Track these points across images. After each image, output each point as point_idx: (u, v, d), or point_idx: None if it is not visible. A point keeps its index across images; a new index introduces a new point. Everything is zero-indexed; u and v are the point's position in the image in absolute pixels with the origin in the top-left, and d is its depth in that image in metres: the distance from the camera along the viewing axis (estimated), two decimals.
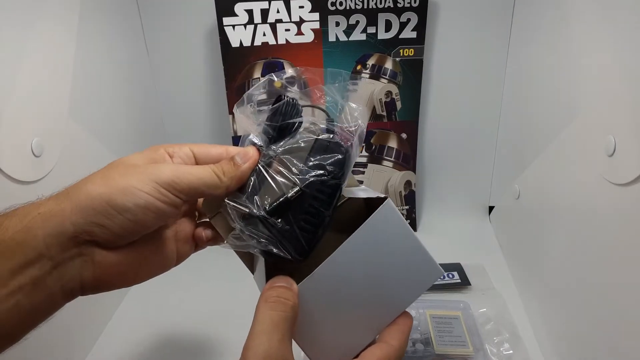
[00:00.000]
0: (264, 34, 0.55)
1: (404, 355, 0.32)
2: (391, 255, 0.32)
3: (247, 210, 0.29)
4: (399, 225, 0.31)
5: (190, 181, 0.28)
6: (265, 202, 0.29)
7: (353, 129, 0.32)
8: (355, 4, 0.55)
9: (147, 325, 0.51)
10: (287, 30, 0.55)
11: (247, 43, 0.55)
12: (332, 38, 0.56)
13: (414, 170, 0.64)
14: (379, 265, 0.31)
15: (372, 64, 0.58)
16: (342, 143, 0.31)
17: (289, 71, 0.37)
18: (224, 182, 0.29)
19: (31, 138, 0.38)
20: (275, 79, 0.34)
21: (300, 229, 0.29)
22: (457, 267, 0.57)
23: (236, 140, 0.59)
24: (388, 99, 0.60)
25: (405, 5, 0.55)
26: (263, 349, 0.27)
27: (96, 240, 0.27)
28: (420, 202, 0.68)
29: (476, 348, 0.45)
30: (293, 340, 0.30)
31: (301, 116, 0.32)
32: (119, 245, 0.28)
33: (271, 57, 0.56)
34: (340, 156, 0.30)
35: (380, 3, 0.55)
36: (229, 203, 0.29)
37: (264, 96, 0.59)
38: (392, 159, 0.63)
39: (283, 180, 0.29)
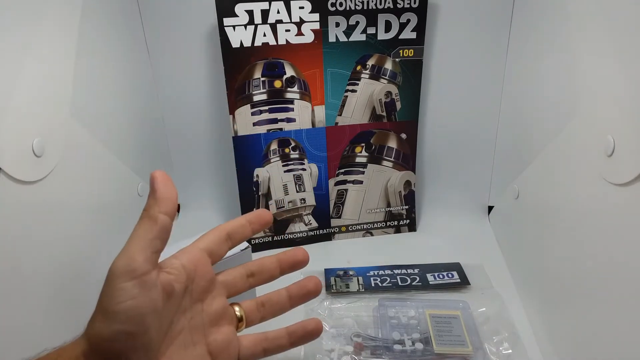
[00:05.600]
0: (265, 35, 0.55)
1: None
2: None
3: None
4: None
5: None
6: None
7: None
8: (355, 4, 0.55)
9: None
10: (288, 30, 0.55)
11: (247, 43, 0.55)
12: (332, 38, 0.56)
13: (413, 170, 0.64)
14: None
15: (372, 65, 0.58)
16: None
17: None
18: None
19: (32, 138, 0.38)
20: None
21: None
22: (457, 267, 0.57)
23: (236, 140, 0.59)
24: (388, 100, 0.60)
25: (405, 6, 0.55)
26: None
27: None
28: (420, 202, 0.68)
29: (475, 347, 0.45)
30: None
31: None
32: None
33: (271, 57, 0.56)
34: None
35: (380, 4, 0.55)
36: None
37: (264, 96, 0.59)
38: (391, 159, 0.63)
39: None
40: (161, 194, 0.29)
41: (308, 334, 0.37)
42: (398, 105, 0.61)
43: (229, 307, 0.35)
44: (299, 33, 0.55)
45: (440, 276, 0.56)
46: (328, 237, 0.66)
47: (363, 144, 0.62)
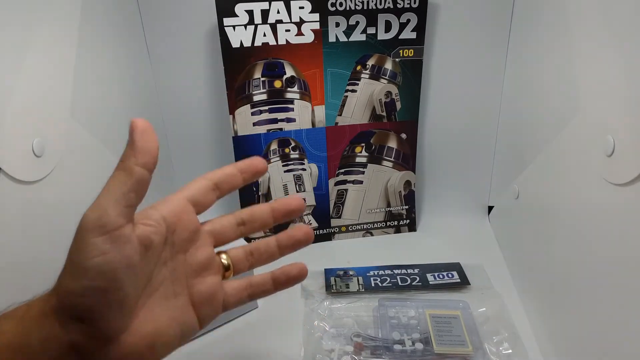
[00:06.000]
0: (265, 35, 0.55)
1: None
2: None
3: None
4: None
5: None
6: None
7: None
8: (355, 4, 0.55)
9: None
10: (288, 30, 0.55)
11: (247, 43, 0.55)
12: (332, 39, 0.56)
13: (413, 170, 0.64)
14: None
15: (372, 65, 0.58)
16: None
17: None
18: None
19: (32, 138, 0.38)
20: None
21: None
22: (457, 267, 0.57)
23: (236, 140, 0.59)
24: (388, 99, 0.60)
25: (405, 6, 0.55)
26: None
27: (88, 328, 0.26)
28: (420, 202, 0.68)
29: (475, 347, 0.45)
30: None
31: None
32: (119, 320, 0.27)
33: (271, 57, 0.56)
34: None
35: (380, 4, 0.55)
36: None
37: (264, 96, 0.59)
38: (391, 159, 0.63)
39: None
40: (139, 144, 0.27)
41: (292, 279, 0.35)
42: (398, 105, 0.61)
43: (215, 256, 0.34)
44: (299, 33, 0.56)
45: (440, 276, 0.56)
46: (328, 237, 0.66)
47: (363, 144, 0.62)
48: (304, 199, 0.63)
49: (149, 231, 0.29)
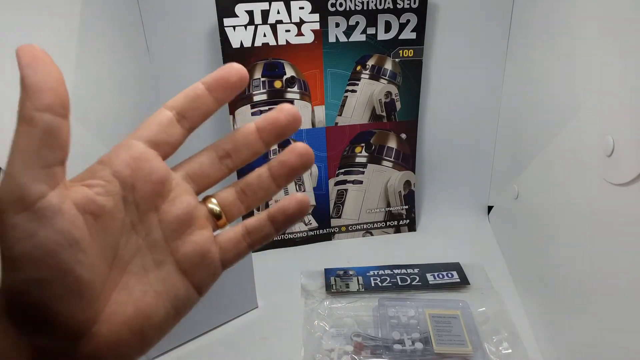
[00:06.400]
0: (265, 35, 0.55)
1: None
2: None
3: None
4: None
5: None
6: None
7: None
8: (355, 5, 0.55)
9: None
10: (288, 31, 0.55)
11: (247, 44, 0.55)
12: (332, 39, 0.56)
13: (413, 170, 0.64)
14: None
15: (372, 65, 0.58)
16: None
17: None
18: None
19: None
20: None
21: None
22: (456, 267, 0.57)
23: None
24: (388, 100, 0.60)
25: (405, 7, 0.55)
26: None
27: (48, 324, 0.21)
28: (420, 201, 0.68)
29: (475, 347, 0.45)
30: None
31: None
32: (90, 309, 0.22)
33: (271, 57, 0.56)
34: None
35: (380, 4, 0.55)
36: None
37: (264, 96, 0.59)
38: (391, 159, 0.63)
39: None
40: (32, 80, 0.21)
41: (292, 215, 0.27)
42: (398, 105, 0.61)
43: (200, 205, 0.27)
44: (299, 33, 0.56)
45: (440, 276, 0.56)
46: (328, 237, 0.66)
47: (363, 144, 0.62)
48: None
49: (92, 194, 0.23)
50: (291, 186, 0.62)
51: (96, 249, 0.23)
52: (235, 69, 0.25)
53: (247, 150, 0.27)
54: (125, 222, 0.24)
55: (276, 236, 0.28)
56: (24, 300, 0.21)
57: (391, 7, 0.55)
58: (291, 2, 0.54)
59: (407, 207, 0.66)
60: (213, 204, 0.27)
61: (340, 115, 0.60)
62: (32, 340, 0.21)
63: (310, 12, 0.55)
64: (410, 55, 0.58)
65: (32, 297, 0.20)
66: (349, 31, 0.56)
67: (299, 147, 0.27)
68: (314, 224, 0.64)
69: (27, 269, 0.20)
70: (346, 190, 0.64)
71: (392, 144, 0.62)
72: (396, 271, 0.57)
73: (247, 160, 0.28)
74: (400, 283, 0.55)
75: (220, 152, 0.27)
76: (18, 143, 0.21)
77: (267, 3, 0.54)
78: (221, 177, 0.28)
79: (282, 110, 0.26)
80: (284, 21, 0.55)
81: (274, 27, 0.55)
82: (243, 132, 0.27)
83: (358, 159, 0.63)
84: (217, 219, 0.27)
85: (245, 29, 0.54)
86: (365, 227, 0.66)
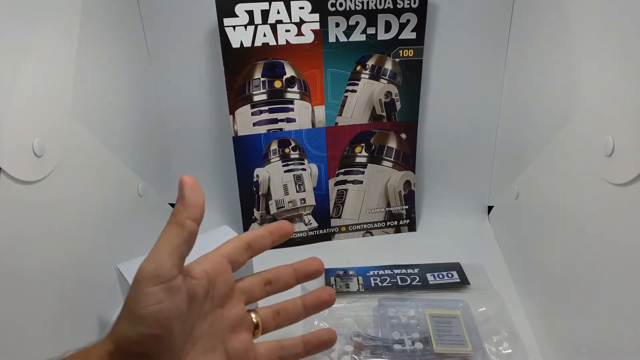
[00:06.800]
0: (265, 35, 0.55)
1: None
2: None
3: None
4: None
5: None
6: None
7: None
8: (355, 4, 0.55)
9: None
10: (288, 31, 0.55)
11: (247, 44, 0.55)
12: (332, 39, 0.56)
13: (413, 171, 0.64)
14: None
15: (372, 65, 0.58)
16: None
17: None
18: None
19: (32, 138, 0.38)
20: None
21: None
22: (456, 267, 0.57)
23: (236, 140, 0.59)
24: (388, 100, 0.60)
25: (405, 6, 0.55)
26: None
27: None
28: (420, 201, 0.68)
29: (475, 347, 0.45)
30: None
31: None
32: None
33: (271, 57, 0.56)
34: None
35: (380, 4, 0.55)
36: None
37: (264, 96, 0.60)
38: (391, 159, 0.63)
39: None
40: (189, 200, 0.30)
41: (323, 343, 0.39)
42: (398, 105, 0.61)
43: (247, 313, 0.36)
44: (299, 33, 0.56)
45: (440, 276, 0.56)
46: (328, 237, 0.66)
47: (363, 144, 0.62)
48: (304, 199, 0.63)
49: (194, 283, 0.31)
50: (291, 186, 0.62)
51: (187, 324, 0.31)
52: (288, 224, 0.38)
53: (283, 283, 0.38)
54: (203, 310, 0.32)
55: (304, 356, 0.38)
56: (136, 349, 0.27)
57: (391, 7, 0.55)
58: (291, 2, 0.54)
59: (407, 207, 0.66)
60: (254, 317, 0.37)
61: (340, 115, 0.60)
62: None
63: (310, 12, 0.55)
64: (410, 55, 0.58)
65: (144, 347, 0.27)
66: (349, 31, 0.56)
67: (329, 290, 0.40)
68: (314, 224, 0.64)
69: (149, 325, 0.27)
70: (346, 190, 0.64)
71: (392, 144, 0.62)
72: (396, 271, 0.57)
73: (281, 290, 0.38)
74: (400, 283, 0.55)
75: (265, 279, 0.37)
76: (167, 237, 0.29)
77: (267, 3, 0.54)
78: (261, 298, 0.37)
79: (314, 260, 0.40)
80: (284, 21, 0.55)
81: (274, 27, 0.55)
82: (284, 269, 0.38)
83: (358, 159, 0.63)
84: (255, 328, 0.36)
85: (245, 29, 0.54)
86: (365, 227, 0.66)
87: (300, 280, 0.38)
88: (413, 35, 0.57)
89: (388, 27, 0.56)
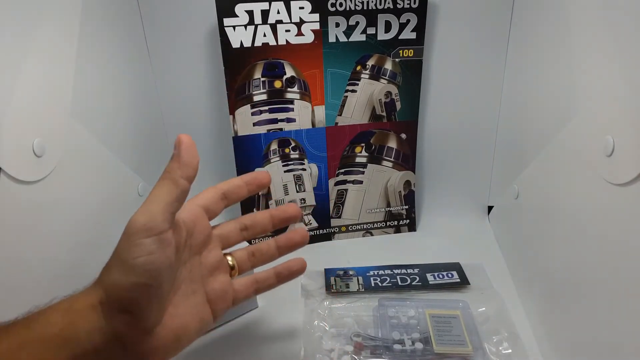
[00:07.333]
0: (265, 35, 0.55)
1: None
2: None
3: None
4: None
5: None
6: None
7: None
8: (355, 4, 0.55)
9: None
10: (288, 31, 0.55)
11: (247, 44, 0.55)
12: (332, 39, 0.56)
13: (413, 171, 0.64)
14: None
15: (372, 65, 0.58)
16: None
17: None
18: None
19: (32, 138, 0.38)
20: None
21: None
22: (456, 267, 0.57)
23: (236, 140, 0.59)
24: (388, 100, 0.60)
25: (405, 6, 0.55)
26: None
27: (132, 320, 0.29)
28: (420, 201, 0.68)
29: (475, 347, 0.45)
30: None
31: None
32: (155, 319, 0.31)
33: (271, 57, 0.56)
34: None
35: (380, 4, 0.55)
36: None
37: (264, 96, 0.59)
38: (391, 159, 0.63)
39: None
40: (185, 159, 0.31)
41: (294, 272, 0.41)
42: (398, 105, 0.61)
43: (223, 257, 0.38)
44: (299, 33, 0.56)
45: (440, 276, 0.56)
46: (328, 237, 0.66)
47: (363, 144, 0.62)
48: (304, 199, 0.63)
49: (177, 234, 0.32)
50: (291, 186, 0.62)
51: (173, 273, 0.32)
52: (264, 174, 0.39)
53: (260, 228, 0.40)
54: (182, 258, 0.34)
55: (277, 286, 0.41)
56: (126, 296, 0.28)
57: (391, 7, 0.55)
58: (291, 2, 0.54)
59: (407, 207, 0.66)
60: (231, 259, 0.39)
61: (340, 115, 0.60)
62: (115, 328, 0.29)
63: (310, 12, 0.55)
64: (410, 55, 0.58)
65: (133, 294, 0.29)
66: (349, 31, 0.56)
67: (302, 231, 0.41)
68: (314, 224, 0.64)
69: (139, 275, 0.28)
70: (346, 190, 0.64)
71: (392, 144, 0.62)
72: (396, 271, 0.57)
73: (258, 235, 0.40)
74: (400, 283, 0.55)
75: (241, 225, 0.39)
76: (160, 192, 0.30)
77: (267, 3, 0.54)
78: (238, 242, 0.39)
79: (290, 206, 0.40)
80: (284, 21, 0.55)
81: (274, 27, 0.55)
82: (261, 215, 0.40)
83: (358, 159, 0.63)
84: (231, 270, 0.38)
85: (245, 29, 0.54)
86: (365, 227, 0.66)
87: (276, 225, 0.40)
88: (413, 35, 0.57)
89: (388, 27, 0.56)
